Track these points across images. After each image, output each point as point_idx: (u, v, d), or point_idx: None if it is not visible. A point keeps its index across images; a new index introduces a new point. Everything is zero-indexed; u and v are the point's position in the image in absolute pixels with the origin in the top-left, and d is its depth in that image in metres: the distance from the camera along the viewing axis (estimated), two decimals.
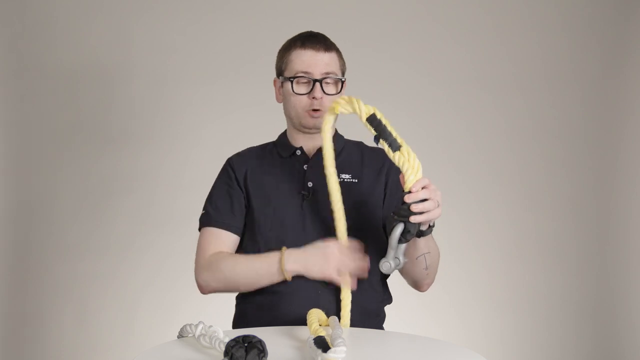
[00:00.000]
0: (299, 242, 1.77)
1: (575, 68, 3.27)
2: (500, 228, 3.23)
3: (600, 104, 3.28)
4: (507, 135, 3.25)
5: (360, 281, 1.78)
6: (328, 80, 1.80)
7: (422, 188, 1.56)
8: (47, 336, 3.04)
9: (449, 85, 3.22)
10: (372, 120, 1.58)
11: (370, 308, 1.81)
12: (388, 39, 3.19)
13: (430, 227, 1.66)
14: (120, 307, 3.05)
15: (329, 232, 1.74)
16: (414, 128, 3.17)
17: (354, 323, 1.71)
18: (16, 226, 3.05)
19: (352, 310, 1.71)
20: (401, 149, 1.58)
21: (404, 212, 1.56)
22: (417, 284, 1.83)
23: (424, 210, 1.55)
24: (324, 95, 1.80)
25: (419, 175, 1.58)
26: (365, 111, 1.59)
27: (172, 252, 3.06)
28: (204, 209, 1.88)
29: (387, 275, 1.88)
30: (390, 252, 1.58)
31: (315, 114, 1.81)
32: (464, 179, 3.22)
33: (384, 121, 1.58)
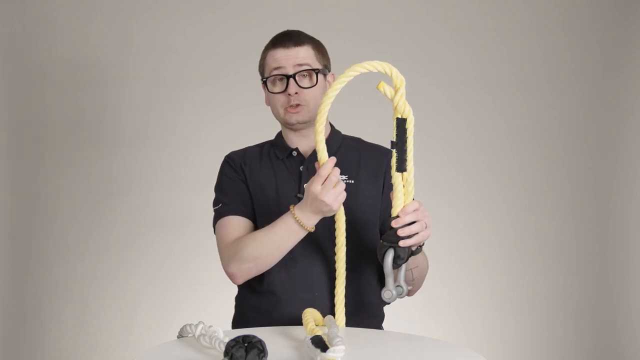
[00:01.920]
0: (298, 247, 1.76)
1: (575, 68, 3.27)
2: (500, 228, 3.23)
3: (600, 104, 3.28)
4: (507, 135, 3.25)
5: (358, 281, 1.78)
6: (303, 73, 1.78)
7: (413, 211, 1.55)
8: (47, 336, 3.04)
9: (449, 86, 3.22)
10: (400, 124, 1.53)
11: (369, 308, 1.80)
12: (388, 39, 3.19)
13: (420, 247, 1.64)
14: (120, 307, 3.05)
15: (328, 234, 1.74)
16: (414, 128, 3.17)
17: (352, 323, 1.70)
18: (16, 226, 3.05)
19: (350, 311, 1.71)
20: (404, 173, 1.54)
21: (392, 237, 1.54)
22: None
23: (411, 234, 1.54)
24: (300, 89, 1.78)
25: (410, 200, 1.56)
26: (402, 104, 1.51)
27: (172, 252, 3.06)
28: (217, 203, 1.85)
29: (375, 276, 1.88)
30: (389, 280, 1.55)
31: (294, 110, 1.79)
32: (464, 179, 3.22)
33: (409, 135, 1.53)
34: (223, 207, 1.83)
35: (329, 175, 1.57)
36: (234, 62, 3.12)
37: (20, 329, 3.03)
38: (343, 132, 1.93)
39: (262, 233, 1.72)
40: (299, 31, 1.84)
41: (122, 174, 3.07)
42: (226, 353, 1.23)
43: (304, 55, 1.79)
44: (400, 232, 1.53)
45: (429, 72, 3.21)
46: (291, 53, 1.78)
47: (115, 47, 3.08)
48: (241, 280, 1.77)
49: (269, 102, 1.86)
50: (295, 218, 1.65)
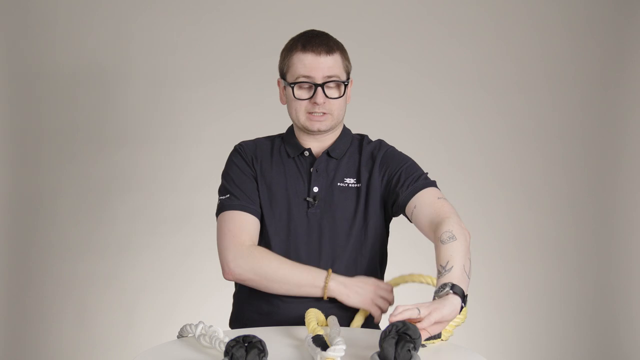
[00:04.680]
0: (303, 248, 1.76)
1: (575, 68, 3.27)
2: (500, 228, 3.23)
3: (600, 104, 3.28)
4: (508, 135, 3.25)
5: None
6: (330, 84, 1.76)
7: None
8: (47, 336, 3.04)
9: (450, 86, 3.22)
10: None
11: None
12: (389, 40, 3.19)
13: (464, 302, 1.52)
14: (120, 307, 3.05)
15: (334, 238, 1.75)
16: (415, 128, 3.17)
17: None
18: (16, 226, 3.05)
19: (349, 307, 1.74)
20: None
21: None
22: None
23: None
24: (327, 99, 1.76)
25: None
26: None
27: (172, 252, 3.06)
28: (224, 192, 1.82)
29: (383, 272, 1.89)
30: None
31: (319, 118, 1.77)
32: (465, 178, 3.22)
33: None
34: (232, 199, 1.80)
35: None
36: (234, 62, 3.12)
37: (20, 329, 3.03)
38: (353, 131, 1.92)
39: (290, 264, 1.74)
40: (328, 35, 1.81)
41: (121, 174, 3.07)
42: (226, 353, 1.23)
43: (332, 64, 1.76)
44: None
45: (429, 72, 3.21)
46: (321, 62, 1.75)
47: (115, 48, 3.08)
48: (232, 279, 1.78)
49: (284, 101, 1.83)
50: (329, 274, 1.72)
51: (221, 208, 1.82)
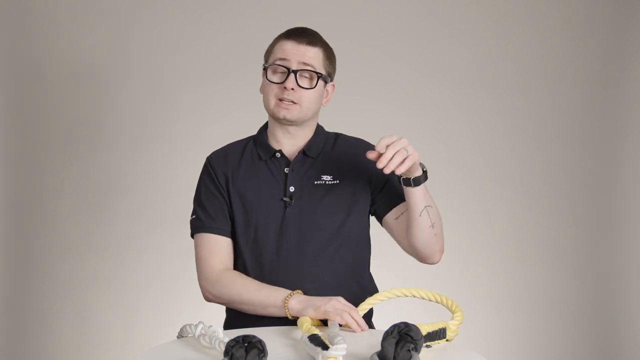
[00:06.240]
0: (286, 248, 1.76)
1: (575, 68, 3.27)
2: (500, 228, 3.23)
3: (600, 104, 3.28)
4: (508, 135, 3.25)
5: (346, 278, 1.79)
6: (305, 73, 1.76)
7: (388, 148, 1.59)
8: (47, 336, 3.04)
9: (450, 86, 3.22)
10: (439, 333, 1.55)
11: (357, 304, 1.79)
12: (389, 40, 3.19)
13: (424, 172, 1.67)
14: (120, 307, 3.05)
15: (315, 235, 1.75)
16: (415, 128, 3.16)
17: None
18: (16, 226, 3.05)
19: None
20: None
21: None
22: (427, 253, 1.78)
23: (395, 167, 1.59)
24: (298, 87, 1.75)
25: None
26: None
27: (172, 252, 3.05)
28: (193, 212, 1.84)
29: (368, 264, 1.89)
30: None
31: (287, 106, 1.76)
32: (465, 178, 3.22)
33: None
34: (199, 221, 1.82)
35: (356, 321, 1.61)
36: (234, 62, 3.12)
37: (20, 329, 3.03)
38: (326, 127, 1.91)
39: (254, 287, 1.73)
40: (315, 32, 1.83)
41: (121, 174, 3.07)
42: (226, 353, 1.23)
43: (312, 55, 1.77)
44: (386, 170, 1.59)
45: (429, 72, 3.21)
46: (300, 49, 1.76)
47: (115, 47, 3.08)
48: (209, 301, 1.83)
49: (263, 89, 1.83)
50: (292, 294, 1.67)
51: (192, 229, 1.84)
